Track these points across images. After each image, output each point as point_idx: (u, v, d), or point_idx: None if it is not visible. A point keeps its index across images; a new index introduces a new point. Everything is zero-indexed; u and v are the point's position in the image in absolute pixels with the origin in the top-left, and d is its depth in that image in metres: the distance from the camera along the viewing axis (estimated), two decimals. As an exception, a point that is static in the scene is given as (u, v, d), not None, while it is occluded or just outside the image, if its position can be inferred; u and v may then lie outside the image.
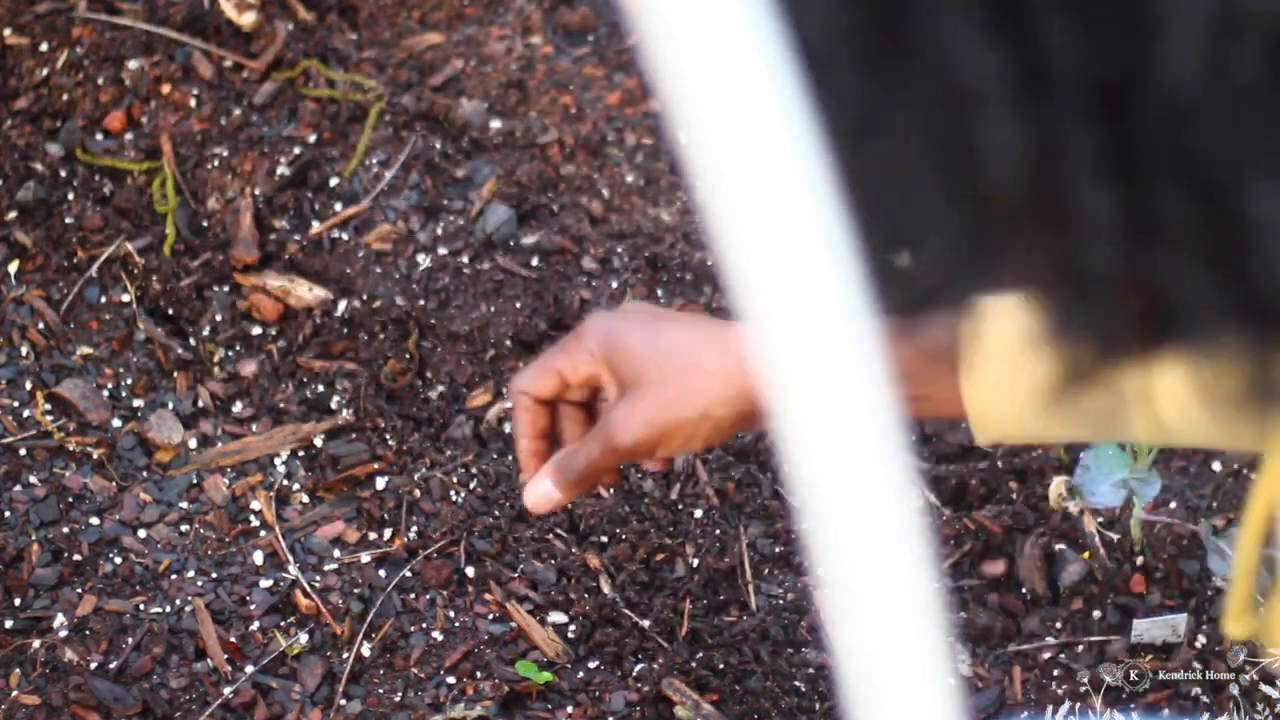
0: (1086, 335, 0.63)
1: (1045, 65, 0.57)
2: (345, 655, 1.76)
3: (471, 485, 1.89)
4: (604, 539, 1.86)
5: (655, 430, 1.24)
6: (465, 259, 2.03)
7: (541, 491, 1.26)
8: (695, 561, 1.85)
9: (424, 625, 1.79)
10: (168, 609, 1.76)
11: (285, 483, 1.88)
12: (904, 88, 0.58)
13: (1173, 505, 1.85)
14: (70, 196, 2.06)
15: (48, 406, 1.90)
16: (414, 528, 1.85)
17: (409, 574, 1.83)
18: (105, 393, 1.91)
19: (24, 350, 1.94)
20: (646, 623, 1.80)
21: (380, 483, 1.89)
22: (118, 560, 1.80)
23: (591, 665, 1.78)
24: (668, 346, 1.24)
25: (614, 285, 2.03)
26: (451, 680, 1.74)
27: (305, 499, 1.87)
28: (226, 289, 2.01)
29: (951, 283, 0.63)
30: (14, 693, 1.70)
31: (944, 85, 0.57)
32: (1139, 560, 1.84)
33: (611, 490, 1.91)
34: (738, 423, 1.24)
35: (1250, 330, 0.61)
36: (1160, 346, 0.63)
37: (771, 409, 0.53)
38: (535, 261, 2.04)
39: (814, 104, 0.53)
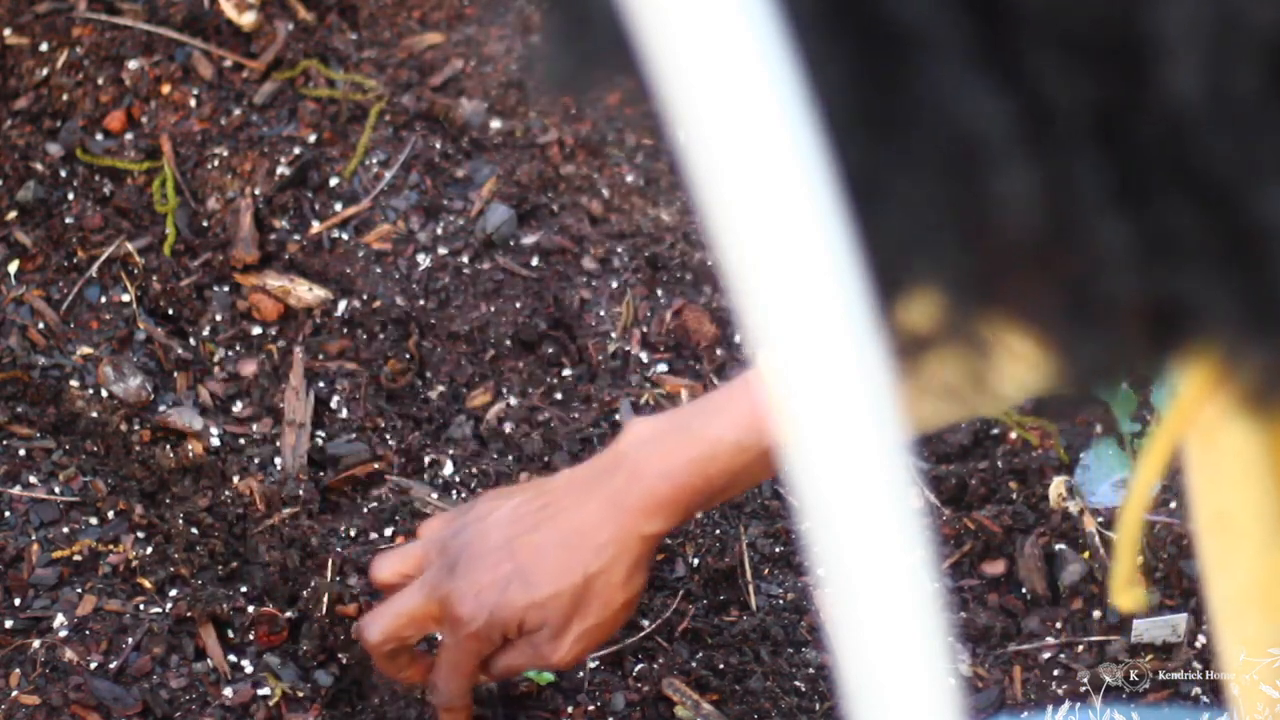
0: (1097, 356, 0.64)
1: (1046, 104, 0.57)
2: (345, 654, 1.76)
3: (472, 485, 1.89)
4: (604, 539, 1.87)
5: (591, 647, 1.45)
6: (465, 259, 2.04)
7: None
8: (695, 561, 1.85)
9: (424, 625, 1.79)
10: (168, 609, 1.76)
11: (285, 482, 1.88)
12: (909, 145, 0.58)
13: (1173, 505, 1.85)
14: (70, 196, 2.06)
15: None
16: (413, 528, 1.85)
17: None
18: (105, 393, 1.91)
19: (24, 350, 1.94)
20: (646, 623, 1.80)
21: (381, 482, 1.89)
22: (117, 560, 1.80)
23: (591, 665, 1.78)
24: (555, 580, 1.42)
25: (614, 285, 2.03)
26: (451, 680, 1.74)
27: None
28: (226, 289, 2.01)
29: (959, 326, 0.63)
30: (14, 693, 1.70)
31: (950, 138, 0.57)
32: (1139, 560, 1.84)
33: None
34: (650, 562, 1.42)
35: (1266, 334, 0.61)
36: (1167, 354, 0.64)
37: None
38: (535, 261, 2.04)
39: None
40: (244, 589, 1.80)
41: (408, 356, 1.97)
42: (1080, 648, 1.81)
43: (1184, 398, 0.81)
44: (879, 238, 0.59)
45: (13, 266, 2.00)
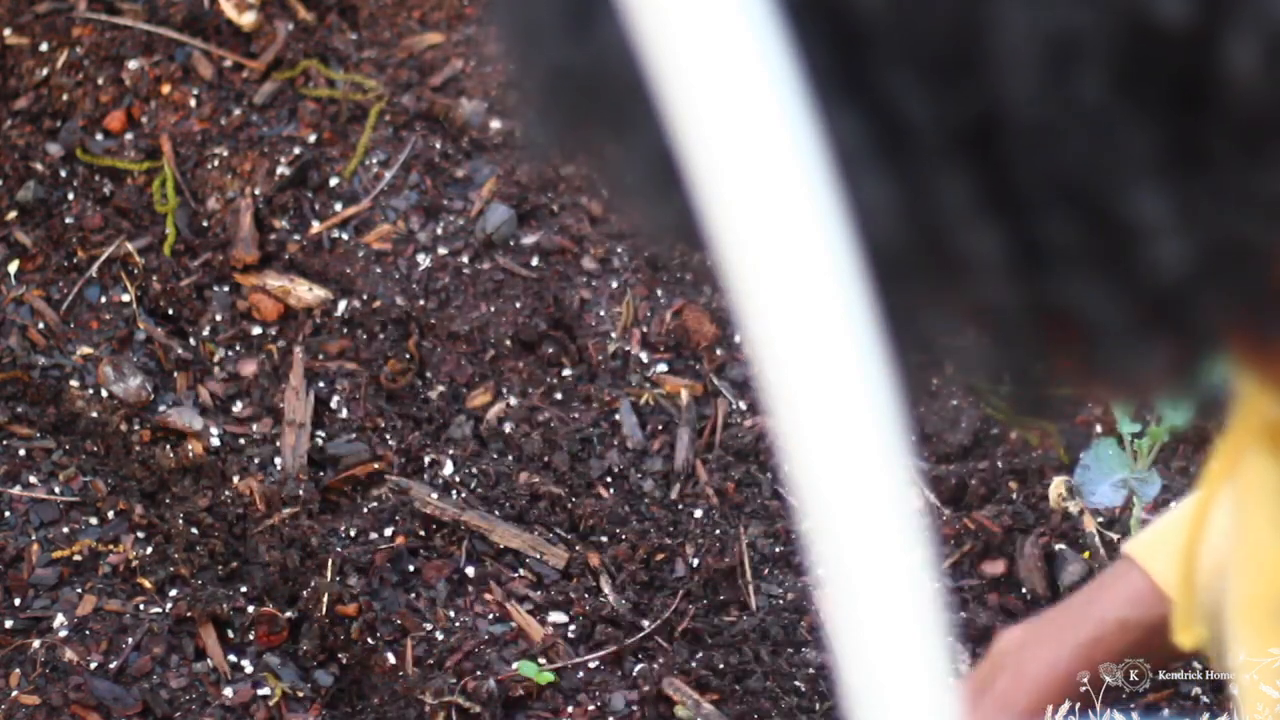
0: (1016, 372, 0.65)
1: (901, 119, 0.57)
2: (345, 655, 1.76)
3: (472, 485, 1.89)
4: (604, 539, 1.87)
5: None
6: (465, 259, 2.04)
7: None
8: (695, 561, 1.85)
9: (424, 625, 1.79)
10: (168, 609, 1.76)
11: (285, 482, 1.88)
12: None
13: (1173, 505, 1.85)
14: (70, 196, 2.06)
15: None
16: (413, 528, 1.85)
17: (409, 573, 1.83)
18: (105, 393, 1.91)
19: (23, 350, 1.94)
20: (646, 623, 1.80)
21: (381, 483, 1.89)
22: (117, 560, 1.80)
23: (591, 665, 1.78)
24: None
25: (614, 285, 2.03)
26: (452, 680, 1.74)
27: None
28: (226, 289, 2.01)
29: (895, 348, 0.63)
30: (14, 693, 1.70)
31: None
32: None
33: (611, 490, 1.91)
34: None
35: (1156, 331, 0.61)
36: (1095, 372, 0.64)
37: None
38: (535, 261, 2.04)
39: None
40: (244, 589, 1.80)
41: (408, 356, 1.97)
42: (1080, 648, 1.81)
43: (1231, 436, 0.81)
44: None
45: (13, 266, 2.01)
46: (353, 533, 1.85)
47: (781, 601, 1.84)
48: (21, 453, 1.87)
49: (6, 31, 2.14)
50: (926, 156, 0.58)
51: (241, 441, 1.91)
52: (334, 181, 2.08)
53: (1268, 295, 0.61)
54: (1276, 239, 0.59)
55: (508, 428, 1.93)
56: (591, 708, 1.75)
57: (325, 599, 1.77)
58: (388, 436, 1.92)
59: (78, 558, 1.79)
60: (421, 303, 2.00)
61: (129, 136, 2.10)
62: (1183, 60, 0.56)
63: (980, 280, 0.60)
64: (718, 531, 1.87)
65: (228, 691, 1.72)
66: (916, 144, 0.57)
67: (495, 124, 2.14)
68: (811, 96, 0.56)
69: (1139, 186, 0.57)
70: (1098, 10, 0.55)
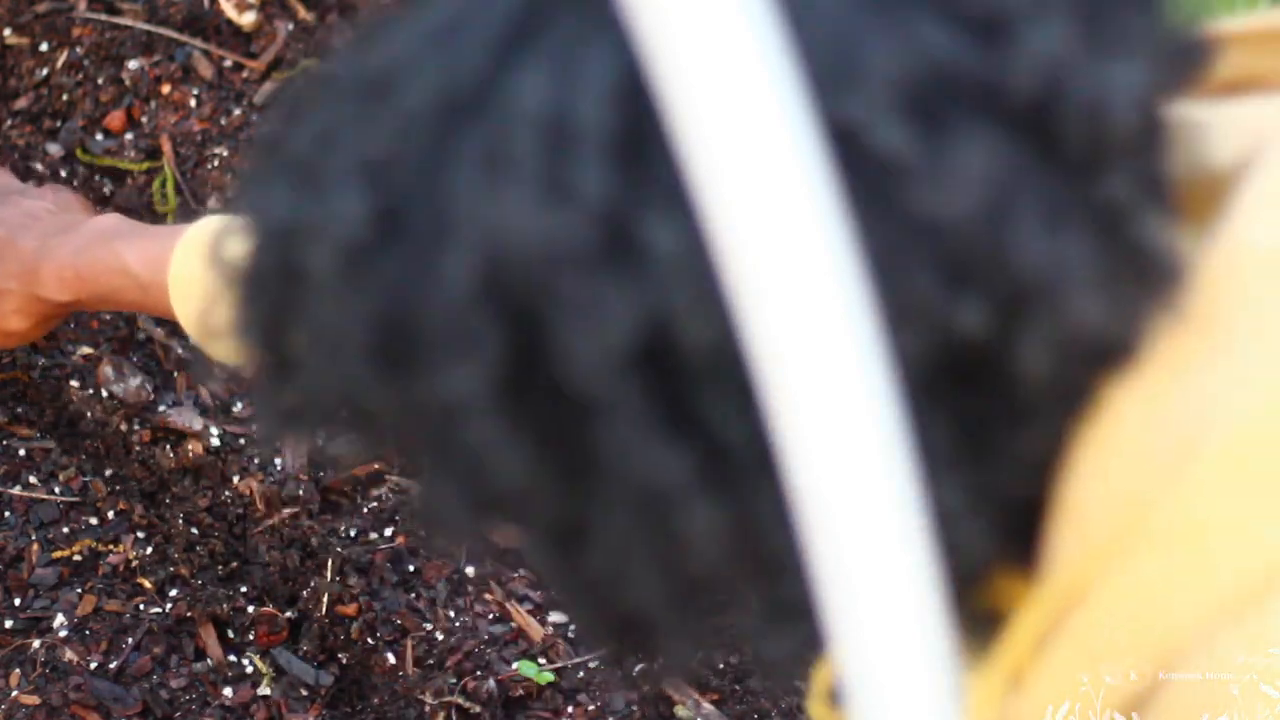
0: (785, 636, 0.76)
1: (722, 446, 0.62)
2: (346, 655, 1.76)
3: (471, 485, 1.89)
4: (604, 539, 1.87)
5: None
6: (465, 259, 2.04)
7: None
8: (695, 561, 1.86)
9: (424, 625, 1.79)
10: (168, 609, 1.76)
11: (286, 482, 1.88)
12: (602, 496, 0.63)
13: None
14: (70, 196, 2.06)
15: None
16: (413, 527, 1.86)
17: (409, 573, 1.83)
18: (105, 393, 1.91)
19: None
20: (646, 623, 1.80)
21: (381, 482, 1.89)
22: (117, 560, 1.80)
23: (592, 665, 1.78)
24: None
25: (614, 285, 2.03)
26: (452, 680, 1.74)
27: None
28: (226, 289, 2.01)
29: (670, 640, 0.75)
30: (14, 693, 1.70)
31: (637, 488, 0.62)
32: None
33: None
34: (44, 324, 1.58)
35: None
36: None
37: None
38: (535, 261, 2.04)
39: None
40: (244, 589, 1.80)
41: (408, 356, 1.97)
42: (1080, 648, 1.81)
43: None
44: (585, 576, 0.67)
45: (13, 266, 2.01)
46: (353, 533, 1.85)
47: (781, 601, 1.84)
48: (21, 453, 1.87)
49: (6, 31, 2.14)
50: (746, 475, 0.63)
51: (241, 441, 1.91)
52: (334, 181, 2.08)
53: (1026, 532, 0.68)
54: (1036, 490, 0.66)
55: (508, 428, 1.93)
56: (591, 708, 1.75)
57: (325, 599, 1.77)
58: (388, 436, 1.92)
59: (78, 558, 1.80)
60: (421, 303, 2.00)
61: (129, 136, 2.10)
62: (975, 357, 0.62)
63: (782, 579, 0.68)
64: (718, 531, 1.87)
65: (227, 691, 1.73)
66: (737, 465, 0.63)
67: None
68: (634, 435, 0.61)
69: (937, 473, 0.62)
70: (915, 325, 0.60)
